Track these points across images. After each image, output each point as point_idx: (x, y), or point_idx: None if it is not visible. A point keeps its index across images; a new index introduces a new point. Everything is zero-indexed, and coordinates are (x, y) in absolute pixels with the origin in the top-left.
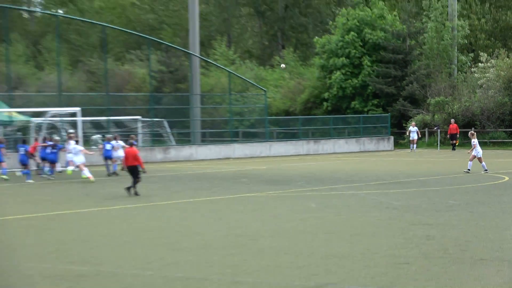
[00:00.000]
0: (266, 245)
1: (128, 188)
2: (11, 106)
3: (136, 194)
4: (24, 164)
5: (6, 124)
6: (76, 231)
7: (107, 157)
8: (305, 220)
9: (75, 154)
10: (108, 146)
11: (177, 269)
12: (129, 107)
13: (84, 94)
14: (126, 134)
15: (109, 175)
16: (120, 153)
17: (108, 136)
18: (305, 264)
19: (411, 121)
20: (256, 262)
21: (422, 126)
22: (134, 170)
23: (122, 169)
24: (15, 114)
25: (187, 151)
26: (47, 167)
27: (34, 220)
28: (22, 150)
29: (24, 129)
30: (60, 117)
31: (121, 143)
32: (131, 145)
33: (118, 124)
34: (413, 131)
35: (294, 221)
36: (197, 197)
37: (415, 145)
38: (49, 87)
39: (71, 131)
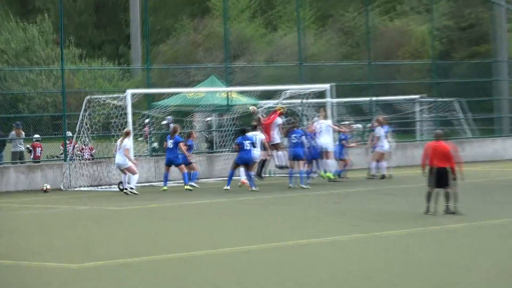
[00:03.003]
0: None
1: (429, 205)
2: (229, 84)
3: (449, 211)
4: (315, 158)
5: (222, 110)
6: (326, 270)
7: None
8: None
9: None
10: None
11: None
12: (402, 82)
13: (336, 64)
14: (400, 122)
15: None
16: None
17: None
18: None
19: None
20: None
21: None
22: (442, 174)
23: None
24: (235, 95)
25: (489, 147)
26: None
27: (263, 253)
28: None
29: (247, 116)
30: (301, 98)
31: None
32: (438, 137)
33: (386, 107)
34: None
35: None
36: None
37: None
38: (285, 55)
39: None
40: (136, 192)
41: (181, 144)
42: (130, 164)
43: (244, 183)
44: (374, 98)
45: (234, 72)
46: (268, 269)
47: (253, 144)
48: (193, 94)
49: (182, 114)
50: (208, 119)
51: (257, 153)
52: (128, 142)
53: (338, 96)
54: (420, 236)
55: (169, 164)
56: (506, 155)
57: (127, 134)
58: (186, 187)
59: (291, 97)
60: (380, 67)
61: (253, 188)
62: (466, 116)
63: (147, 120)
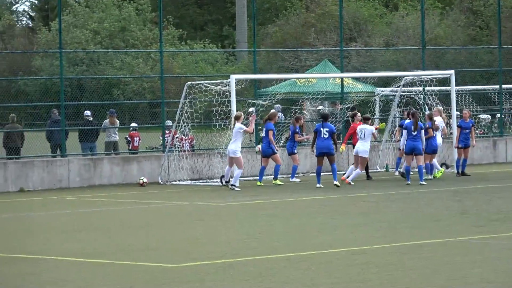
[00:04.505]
0: None
1: None
2: (343, 69)
3: None
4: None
5: (335, 98)
6: (444, 274)
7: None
8: None
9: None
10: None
11: None
12: None
13: (461, 48)
14: None
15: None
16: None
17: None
18: None
19: None
20: None
21: None
22: None
23: None
24: (349, 82)
25: None
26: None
27: (376, 255)
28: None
29: (363, 105)
30: (422, 85)
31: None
32: None
33: None
34: None
35: None
36: None
37: None
38: (405, 37)
39: (440, 108)
40: (237, 188)
41: (270, 133)
42: (239, 155)
43: (344, 179)
44: (504, 86)
45: (349, 56)
46: (380, 272)
47: (332, 133)
48: (304, 80)
49: (291, 102)
50: (320, 107)
51: (363, 147)
52: (240, 125)
53: (464, 83)
54: None
55: (263, 155)
56: None
57: (237, 118)
58: (274, 181)
59: (410, 84)
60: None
61: (350, 181)
62: None
63: (251, 109)
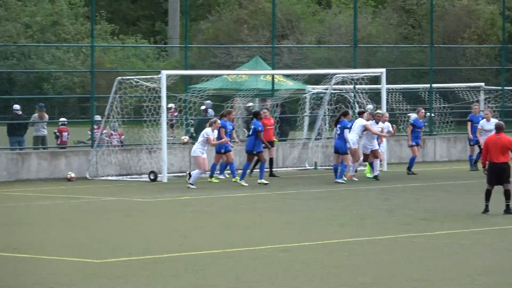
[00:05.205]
0: None
1: (488, 204)
2: (275, 67)
3: (509, 211)
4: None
5: (266, 95)
6: (369, 273)
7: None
8: None
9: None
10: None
11: None
12: (467, 67)
13: (393, 46)
14: (462, 112)
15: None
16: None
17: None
18: None
19: None
20: None
21: None
22: (502, 170)
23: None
24: (281, 79)
25: None
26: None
27: (301, 252)
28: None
29: (294, 102)
30: (353, 83)
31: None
32: (499, 129)
33: (446, 95)
34: None
35: None
36: None
37: None
38: (338, 35)
39: (375, 109)
40: (193, 186)
41: (222, 130)
42: (198, 154)
43: (350, 177)
44: (435, 85)
45: (281, 53)
46: (305, 270)
47: (255, 131)
48: (235, 77)
49: (222, 99)
50: (250, 104)
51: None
52: (208, 131)
53: (395, 82)
54: (475, 238)
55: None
56: None
57: (210, 124)
58: (209, 179)
59: (341, 83)
60: (443, 50)
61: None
62: None
63: (171, 105)
